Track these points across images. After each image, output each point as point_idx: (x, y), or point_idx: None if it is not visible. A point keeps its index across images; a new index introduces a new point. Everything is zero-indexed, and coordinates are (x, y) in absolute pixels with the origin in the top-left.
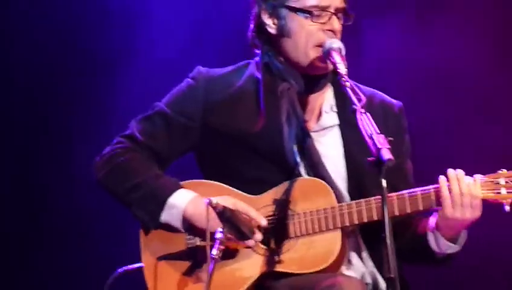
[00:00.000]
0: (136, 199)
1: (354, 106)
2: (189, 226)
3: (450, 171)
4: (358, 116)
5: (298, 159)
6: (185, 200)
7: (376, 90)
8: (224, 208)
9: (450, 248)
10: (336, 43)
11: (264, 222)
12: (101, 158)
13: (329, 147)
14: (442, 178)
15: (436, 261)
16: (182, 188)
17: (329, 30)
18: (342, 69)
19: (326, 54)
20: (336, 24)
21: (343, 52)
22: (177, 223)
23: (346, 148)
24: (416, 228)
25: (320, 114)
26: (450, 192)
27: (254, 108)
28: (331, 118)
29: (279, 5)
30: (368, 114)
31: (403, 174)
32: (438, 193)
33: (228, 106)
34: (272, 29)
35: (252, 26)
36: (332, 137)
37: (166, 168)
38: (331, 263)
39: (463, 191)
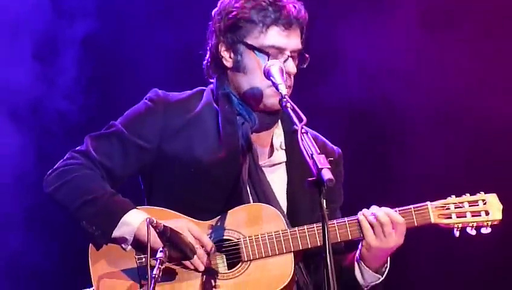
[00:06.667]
0: (88, 214)
1: (295, 126)
2: (140, 246)
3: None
4: (299, 136)
5: (250, 191)
6: (139, 220)
7: (318, 134)
8: (165, 227)
9: (374, 279)
10: (277, 64)
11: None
12: (53, 172)
13: (275, 183)
14: (361, 212)
15: None
16: (135, 208)
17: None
18: (283, 89)
19: (267, 74)
20: (292, 67)
21: (285, 73)
22: (129, 240)
23: (289, 185)
24: (345, 261)
25: (272, 151)
26: (370, 224)
27: (213, 137)
28: (280, 155)
29: (237, 41)
30: (309, 134)
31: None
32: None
33: (185, 132)
34: (228, 62)
35: (208, 56)
36: (279, 174)
37: (116, 187)
38: (286, 285)
39: (382, 221)
